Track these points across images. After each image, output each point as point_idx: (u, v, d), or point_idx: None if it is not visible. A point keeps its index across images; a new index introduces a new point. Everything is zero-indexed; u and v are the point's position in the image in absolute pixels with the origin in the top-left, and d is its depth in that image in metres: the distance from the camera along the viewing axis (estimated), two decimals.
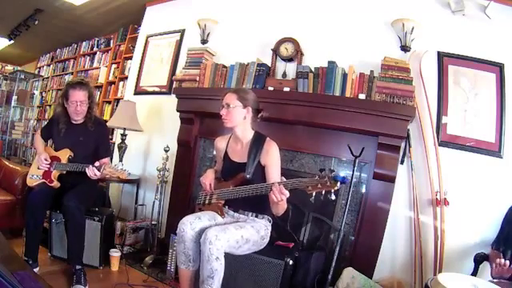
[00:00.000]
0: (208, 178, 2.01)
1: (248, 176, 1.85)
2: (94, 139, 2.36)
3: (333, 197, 1.54)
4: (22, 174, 2.67)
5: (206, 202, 1.99)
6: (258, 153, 1.88)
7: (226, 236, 1.66)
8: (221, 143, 2.09)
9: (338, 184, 1.50)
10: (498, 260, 1.64)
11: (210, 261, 1.62)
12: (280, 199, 1.63)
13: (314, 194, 1.56)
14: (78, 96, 2.24)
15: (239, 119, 1.91)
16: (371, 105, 2.24)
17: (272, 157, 1.87)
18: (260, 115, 1.98)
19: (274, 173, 1.84)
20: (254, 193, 1.75)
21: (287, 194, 1.62)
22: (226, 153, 2.03)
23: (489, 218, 2.10)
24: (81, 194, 2.19)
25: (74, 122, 2.34)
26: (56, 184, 2.23)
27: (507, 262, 1.61)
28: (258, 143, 1.91)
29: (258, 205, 1.90)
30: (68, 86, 2.28)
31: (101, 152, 2.38)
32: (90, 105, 2.33)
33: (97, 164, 2.12)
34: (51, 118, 2.52)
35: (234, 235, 1.71)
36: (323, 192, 1.53)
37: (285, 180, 1.65)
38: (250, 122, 1.95)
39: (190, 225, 1.77)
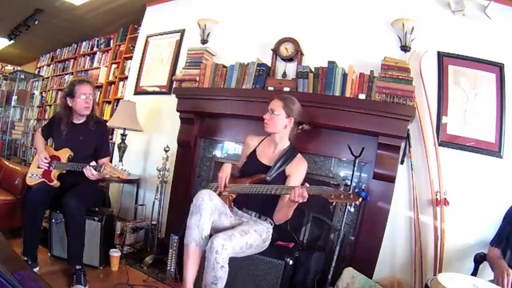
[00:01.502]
0: (225, 172, 1.99)
1: (268, 178, 1.88)
2: (95, 139, 2.36)
3: (352, 209, 1.61)
4: (22, 174, 2.67)
5: (217, 192, 1.96)
6: (287, 162, 1.93)
7: (231, 244, 1.66)
8: (253, 141, 2.12)
9: (360, 199, 1.53)
10: (505, 277, 1.63)
11: (216, 269, 1.60)
12: (297, 200, 1.64)
13: (334, 203, 1.61)
14: (86, 89, 2.28)
15: (280, 127, 1.97)
16: (371, 105, 2.24)
17: (298, 170, 1.92)
18: (301, 127, 2.04)
19: (294, 185, 1.84)
20: (272, 192, 1.76)
21: (306, 197, 1.64)
22: (254, 151, 2.06)
23: (489, 217, 2.10)
24: (81, 193, 2.18)
25: (75, 122, 2.34)
26: (56, 183, 2.23)
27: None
28: (289, 154, 1.96)
29: (263, 207, 1.92)
30: (74, 83, 2.30)
31: (101, 152, 2.38)
32: (92, 104, 2.34)
33: (93, 164, 2.12)
34: (52, 118, 2.52)
35: (240, 242, 1.71)
36: (344, 203, 1.59)
37: (308, 186, 1.68)
38: (289, 131, 2.00)
39: (208, 195, 1.71)
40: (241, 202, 1.95)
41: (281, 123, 1.96)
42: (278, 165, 1.92)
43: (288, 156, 1.95)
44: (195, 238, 1.66)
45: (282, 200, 1.86)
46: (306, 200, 1.64)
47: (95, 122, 2.38)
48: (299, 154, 2.00)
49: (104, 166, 2.09)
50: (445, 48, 2.34)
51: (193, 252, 1.67)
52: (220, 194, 1.95)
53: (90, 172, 2.10)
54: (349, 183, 1.63)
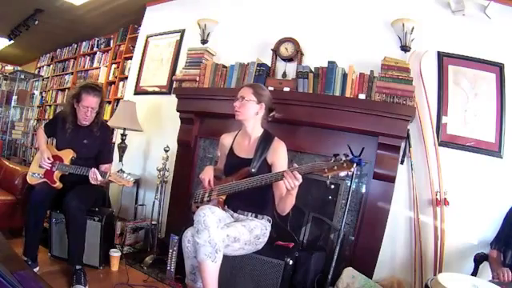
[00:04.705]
0: (207, 174, 1.97)
1: (253, 170, 1.83)
2: (98, 143, 2.36)
3: (347, 179, 1.55)
4: (22, 174, 2.67)
5: (205, 199, 1.94)
6: (266, 150, 1.88)
7: (207, 233, 1.60)
8: (226, 139, 2.09)
9: (354, 165, 1.49)
10: (503, 274, 1.64)
11: (190, 258, 1.74)
12: (293, 185, 1.58)
13: (329, 176, 1.54)
14: (91, 102, 2.23)
15: (251, 113, 1.93)
16: (371, 105, 2.24)
17: (280, 156, 1.88)
18: (272, 114, 2.01)
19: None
20: (262, 183, 1.70)
21: (300, 179, 1.58)
22: (231, 148, 2.03)
23: (489, 217, 2.10)
24: (82, 194, 2.18)
25: (79, 124, 2.33)
26: (58, 185, 2.22)
27: (510, 275, 1.62)
28: (266, 141, 1.92)
29: (257, 205, 1.90)
30: (82, 90, 2.24)
31: (103, 157, 2.38)
32: (99, 110, 2.32)
33: (101, 170, 2.11)
34: (56, 116, 2.49)
35: (220, 234, 1.65)
36: (339, 174, 1.53)
37: (297, 166, 1.61)
38: (260, 119, 1.97)
39: (209, 209, 1.67)
40: (234, 206, 1.92)
41: (252, 109, 1.91)
42: (258, 155, 1.86)
43: (265, 143, 1.90)
44: (209, 254, 1.59)
45: (277, 190, 1.80)
46: (301, 181, 1.58)
47: (100, 127, 2.36)
48: (276, 138, 1.94)
49: (109, 173, 2.09)
50: (445, 48, 2.34)
51: (209, 268, 1.60)
52: (209, 200, 1.92)
53: (94, 176, 2.10)
54: (338, 155, 1.54)
